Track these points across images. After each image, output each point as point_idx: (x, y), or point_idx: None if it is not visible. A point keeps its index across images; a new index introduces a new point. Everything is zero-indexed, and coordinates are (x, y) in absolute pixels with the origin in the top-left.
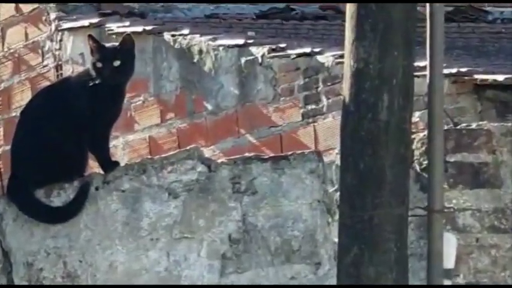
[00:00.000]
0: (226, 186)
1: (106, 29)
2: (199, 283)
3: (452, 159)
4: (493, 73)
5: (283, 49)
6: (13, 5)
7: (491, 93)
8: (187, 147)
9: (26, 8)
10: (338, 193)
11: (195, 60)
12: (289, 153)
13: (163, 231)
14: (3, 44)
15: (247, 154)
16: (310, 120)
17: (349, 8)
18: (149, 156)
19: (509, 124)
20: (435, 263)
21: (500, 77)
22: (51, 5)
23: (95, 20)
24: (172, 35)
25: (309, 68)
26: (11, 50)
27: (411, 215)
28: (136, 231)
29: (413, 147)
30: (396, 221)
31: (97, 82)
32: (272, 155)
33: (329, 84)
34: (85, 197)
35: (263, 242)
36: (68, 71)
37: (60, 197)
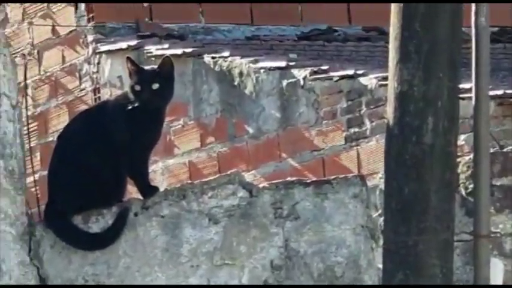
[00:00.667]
0: (268, 211)
1: (145, 51)
2: None
3: (498, 183)
4: None
5: (325, 71)
6: (49, 27)
7: None
8: (228, 172)
9: (62, 30)
10: (382, 218)
11: (236, 83)
12: (332, 177)
13: (204, 258)
14: (39, 67)
15: (289, 178)
16: (354, 143)
17: (393, 29)
18: (189, 181)
19: None
20: None
21: None
22: (89, 27)
23: (133, 43)
24: (213, 58)
25: (352, 91)
26: (48, 73)
27: (457, 240)
28: (176, 258)
29: (459, 170)
30: (441, 247)
31: (136, 106)
32: (314, 179)
33: (372, 107)
34: (124, 223)
35: (306, 268)
36: (106, 94)
37: (98, 223)
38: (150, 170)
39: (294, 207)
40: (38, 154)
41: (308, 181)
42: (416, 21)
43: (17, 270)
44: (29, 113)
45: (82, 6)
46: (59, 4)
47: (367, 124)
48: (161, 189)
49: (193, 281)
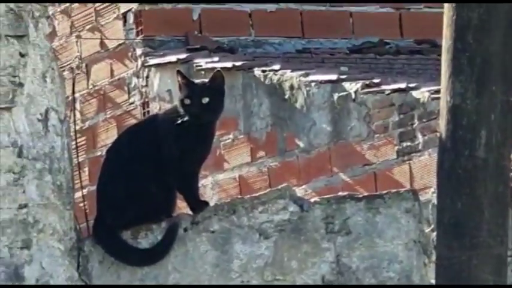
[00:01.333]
0: (319, 226)
1: (194, 64)
2: None
3: None
4: None
5: (377, 85)
6: (97, 41)
7: None
8: (279, 187)
9: (111, 43)
10: (435, 233)
11: (286, 97)
12: (384, 192)
13: (254, 273)
14: (88, 81)
15: (340, 193)
16: (406, 158)
17: (445, 42)
18: (239, 196)
19: None
20: None
21: None
22: (138, 40)
23: (182, 56)
24: (263, 71)
25: (404, 104)
26: (96, 87)
27: (511, 255)
28: (226, 273)
29: None
30: (495, 262)
31: (185, 120)
32: (366, 194)
33: (425, 120)
34: (173, 239)
35: (358, 284)
36: (155, 108)
37: (147, 238)
38: (199, 185)
39: (346, 222)
40: (86, 169)
41: (360, 196)
42: (469, 33)
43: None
44: (77, 127)
45: (131, 19)
46: (107, 17)
47: (420, 138)
48: (211, 204)
49: None
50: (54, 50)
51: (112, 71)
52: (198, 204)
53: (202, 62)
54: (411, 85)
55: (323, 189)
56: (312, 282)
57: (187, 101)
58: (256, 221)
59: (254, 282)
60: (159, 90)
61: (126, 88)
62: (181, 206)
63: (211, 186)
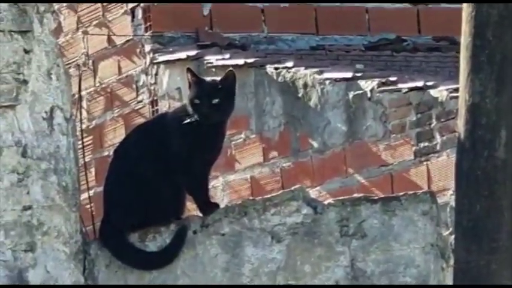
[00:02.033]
0: (334, 229)
1: (205, 61)
2: None
3: None
4: None
5: (394, 83)
6: (105, 37)
7: None
8: (292, 188)
9: (119, 40)
10: (453, 236)
11: (300, 95)
12: (401, 194)
13: (266, 278)
14: (94, 79)
15: (355, 195)
16: (423, 158)
17: (464, 39)
18: (251, 198)
19: None
20: None
21: None
22: (146, 36)
23: (192, 53)
24: (276, 68)
25: (422, 103)
26: (103, 85)
27: None
28: (237, 278)
29: None
30: None
31: (194, 120)
32: (382, 195)
33: (443, 120)
34: (182, 242)
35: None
36: (164, 107)
37: (155, 241)
38: (210, 186)
39: (361, 225)
40: (92, 169)
41: (375, 198)
42: (489, 30)
43: None
44: (84, 126)
45: (139, 14)
46: (114, 13)
47: (438, 138)
48: (221, 206)
49: None
50: (60, 46)
51: (120, 68)
52: (208, 206)
53: (213, 59)
54: (429, 83)
55: (338, 191)
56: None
57: (196, 101)
58: (268, 224)
59: None
60: (168, 88)
61: (134, 86)
62: (191, 208)
63: (222, 187)
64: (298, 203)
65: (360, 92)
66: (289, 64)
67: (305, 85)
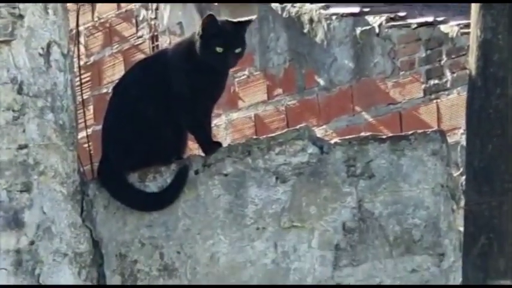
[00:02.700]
0: (340, 169)
1: None
2: (310, 276)
3: None
4: None
5: (402, 18)
6: None
7: None
8: (297, 127)
9: None
10: (463, 177)
11: (306, 31)
12: (410, 132)
13: (270, 220)
14: (93, 14)
15: (363, 134)
16: (433, 96)
17: None
18: (255, 137)
19: None
20: None
21: None
22: None
23: None
24: (280, 3)
25: (432, 39)
26: (102, 20)
27: None
28: (240, 220)
29: None
30: None
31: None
32: (390, 134)
33: (453, 56)
34: (183, 182)
35: (381, 231)
36: (165, 42)
37: (156, 181)
38: (212, 125)
39: (368, 165)
40: (91, 107)
41: (383, 137)
42: None
43: (68, 232)
44: (82, 62)
45: None
46: None
47: (448, 75)
48: (224, 145)
49: (258, 245)
50: None
51: (119, 3)
52: (210, 145)
53: None
54: (439, 19)
55: (344, 130)
56: (332, 229)
57: (219, 49)
58: (273, 164)
59: (270, 229)
60: (170, 23)
61: (134, 21)
62: (193, 147)
63: (225, 126)
64: (304, 142)
65: (368, 27)
66: None
67: (311, 20)
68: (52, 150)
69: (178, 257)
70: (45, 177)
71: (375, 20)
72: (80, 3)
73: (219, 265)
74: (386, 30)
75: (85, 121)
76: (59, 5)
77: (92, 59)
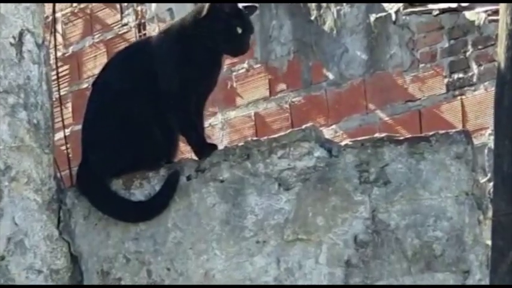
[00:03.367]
0: (352, 175)
1: None
2: None
3: None
4: None
5: (422, 3)
6: None
7: None
8: (303, 127)
9: None
10: (491, 184)
11: (312, 18)
12: (430, 133)
13: (272, 232)
14: None
15: (377, 135)
16: (457, 92)
17: None
18: (255, 138)
19: None
20: None
21: None
22: None
23: None
24: None
25: (456, 27)
26: (82, 6)
27: None
28: (238, 232)
29: None
30: None
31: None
32: (409, 136)
33: (480, 47)
34: (174, 189)
35: (397, 245)
36: (153, 31)
37: (142, 188)
38: (206, 124)
39: (383, 170)
40: (69, 104)
41: (401, 138)
42: None
43: (43, 246)
44: (59, 53)
45: None
46: None
47: (474, 68)
48: (220, 147)
49: (258, 260)
50: None
51: None
52: (204, 148)
53: None
54: (464, 4)
55: (356, 130)
56: (342, 242)
57: (240, 30)
58: (275, 169)
59: (272, 243)
60: (158, 9)
61: (118, 6)
62: (184, 150)
63: (221, 125)
64: (310, 144)
65: (383, 14)
66: None
67: (318, 6)
68: (25, 153)
69: (168, 274)
70: (17, 183)
71: (391, 6)
72: None
73: (214, 283)
74: (404, 17)
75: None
76: None
77: (70, 49)
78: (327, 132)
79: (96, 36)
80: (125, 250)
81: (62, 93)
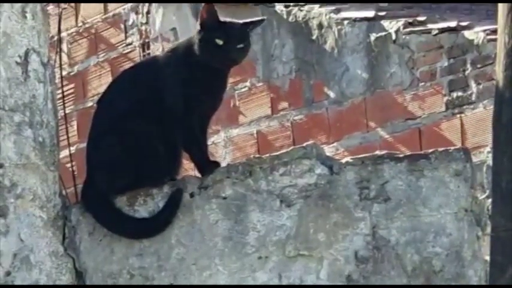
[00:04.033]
0: (352, 192)
1: None
2: None
3: None
4: None
5: (422, 23)
6: None
7: None
8: (304, 144)
9: None
10: (490, 200)
11: (314, 37)
12: (430, 151)
13: (274, 248)
14: (76, 18)
15: (377, 152)
16: (456, 110)
17: None
18: (257, 155)
19: None
20: None
21: None
22: None
23: None
24: (286, 6)
25: (455, 47)
26: (87, 25)
27: None
28: (240, 248)
29: None
30: None
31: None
32: (409, 153)
33: (479, 66)
34: (177, 206)
35: (397, 261)
36: (157, 50)
37: (146, 205)
38: (209, 142)
39: (384, 187)
40: (74, 122)
41: (401, 156)
42: None
43: (49, 262)
44: (64, 72)
45: None
46: None
47: (473, 87)
48: (223, 164)
49: (260, 276)
50: None
51: (106, 6)
52: (207, 165)
53: None
54: (463, 23)
55: (357, 148)
56: (343, 258)
57: (219, 42)
58: (277, 185)
59: (274, 259)
60: (162, 29)
61: (122, 26)
62: (188, 167)
63: (224, 143)
64: (312, 161)
65: (383, 33)
66: (302, 1)
67: (320, 26)
68: (31, 171)
69: None
70: (22, 200)
71: (392, 25)
72: (62, 7)
73: None
74: (404, 36)
75: (68, 138)
76: (38, 8)
77: (75, 68)
78: (328, 150)
79: (101, 55)
80: (129, 266)
81: (67, 112)
